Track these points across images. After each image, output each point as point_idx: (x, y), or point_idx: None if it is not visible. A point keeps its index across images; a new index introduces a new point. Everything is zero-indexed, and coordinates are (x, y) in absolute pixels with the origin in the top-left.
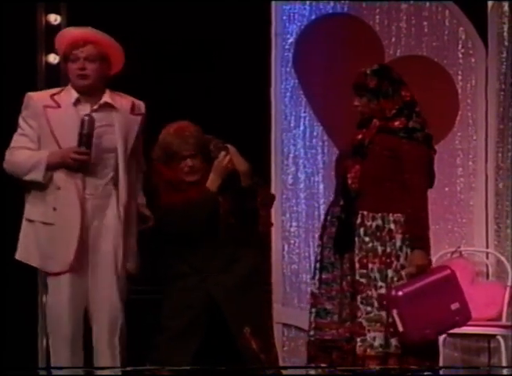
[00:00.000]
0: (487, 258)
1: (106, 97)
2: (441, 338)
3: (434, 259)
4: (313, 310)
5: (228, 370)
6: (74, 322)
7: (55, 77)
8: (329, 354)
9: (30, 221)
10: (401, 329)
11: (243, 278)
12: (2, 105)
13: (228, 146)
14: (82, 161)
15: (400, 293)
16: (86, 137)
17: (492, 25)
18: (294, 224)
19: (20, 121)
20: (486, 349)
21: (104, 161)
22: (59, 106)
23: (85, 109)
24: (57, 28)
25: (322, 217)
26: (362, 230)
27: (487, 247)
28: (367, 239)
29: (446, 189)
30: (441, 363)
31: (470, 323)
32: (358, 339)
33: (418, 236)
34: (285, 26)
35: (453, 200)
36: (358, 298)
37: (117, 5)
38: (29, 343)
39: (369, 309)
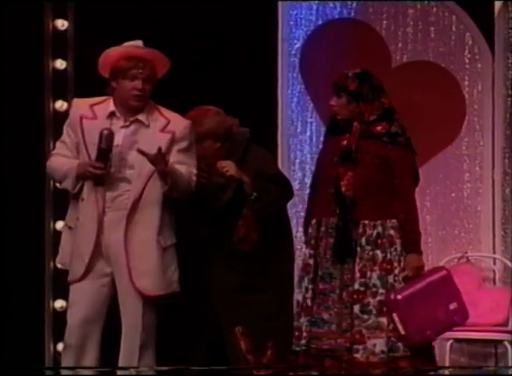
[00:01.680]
0: (494, 263)
1: (142, 114)
2: (448, 343)
3: (440, 265)
4: (304, 319)
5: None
6: (81, 332)
7: (62, 83)
8: (323, 363)
9: (68, 227)
10: (402, 332)
11: (246, 277)
12: (9, 110)
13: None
14: (97, 175)
15: (399, 296)
16: (104, 151)
17: (498, 30)
18: (301, 230)
19: (64, 128)
20: (493, 355)
21: (126, 177)
22: (95, 117)
23: (119, 123)
24: (64, 33)
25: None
26: (363, 239)
27: (494, 252)
28: (368, 248)
29: (453, 194)
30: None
31: (476, 328)
32: (360, 347)
33: (413, 240)
34: (291, 31)
35: (460, 206)
36: (357, 307)
37: (124, 9)
38: (36, 349)
39: (366, 316)
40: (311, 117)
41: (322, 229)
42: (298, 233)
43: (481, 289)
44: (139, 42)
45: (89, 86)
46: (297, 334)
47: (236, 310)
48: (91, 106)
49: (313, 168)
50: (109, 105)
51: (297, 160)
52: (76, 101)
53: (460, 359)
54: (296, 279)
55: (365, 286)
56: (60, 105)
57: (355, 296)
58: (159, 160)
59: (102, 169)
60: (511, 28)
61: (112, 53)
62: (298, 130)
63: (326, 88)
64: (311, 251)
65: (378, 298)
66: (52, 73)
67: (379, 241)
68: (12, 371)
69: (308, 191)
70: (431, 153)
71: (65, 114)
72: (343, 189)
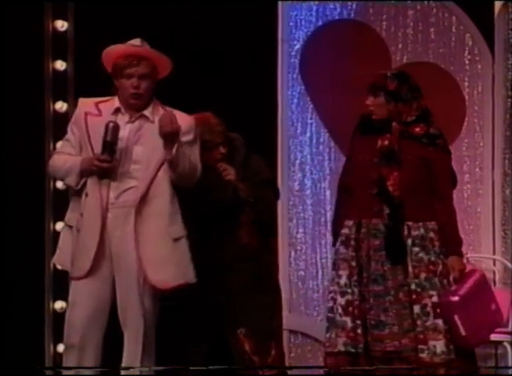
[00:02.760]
0: (494, 264)
1: (147, 110)
2: None
3: None
4: (358, 322)
5: (221, 370)
6: (83, 332)
7: (62, 84)
8: (391, 365)
9: (68, 226)
10: (463, 333)
11: (249, 279)
12: (10, 111)
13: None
14: (103, 169)
15: (456, 298)
16: (109, 144)
17: (498, 31)
18: (301, 230)
19: (68, 126)
20: (493, 356)
21: (131, 172)
22: (100, 114)
23: (124, 119)
24: (64, 34)
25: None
26: (409, 241)
27: (494, 253)
28: (415, 249)
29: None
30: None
31: None
32: (425, 347)
33: (456, 242)
34: (291, 32)
35: (460, 207)
36: (417, 307)
37: (124, 10)
38: (36, 350)
39: (425, 317)
40: (311, 119)
41: (363, 230)
42: (298, 233)
43: None
44: (137, 41)
45: (89, 87)
46: (351, 334)
47: (240, 312)
48: (97, 103)
49: (312, 168)
50: (115, 102)
51: (297, 161)
52: (81, 100)
53: None
54: (341, 279)
55: (420, 287)
56: (60, 106)
57: (413, 296)
58: (168, 120)
59: (108, 162)
60: (511, 29)
61: (110, 52)
62: (298, 131)
63: (326, 89)
64: (353, 253)
65: (432, 299)
66: (52, 74)
67: (423, 243)
68: (12, 371)
69: (307, 192)
70: None
71: (65, 115)
72: (390, 189)
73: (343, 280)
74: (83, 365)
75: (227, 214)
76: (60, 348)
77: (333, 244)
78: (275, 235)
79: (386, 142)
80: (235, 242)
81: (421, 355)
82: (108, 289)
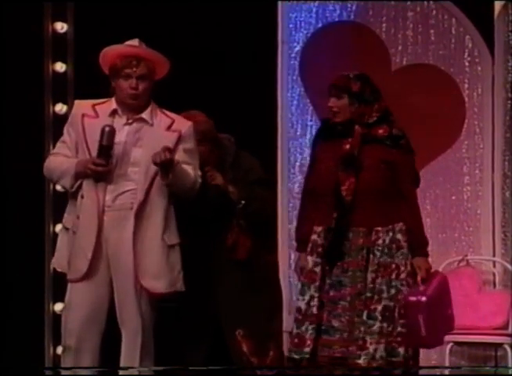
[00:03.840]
0: (494, 266)
1: (145, 113)
2: (448, 346)
3: (441, 268)
4: (309, 327)
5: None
6: (81, 334)
7: (61, 86)
8: (333, 371)
9: (65, 228)
10: (424, 333)
11: (242, 280)
12: (9, 113)
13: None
14: (98, 172)
15: (424, 298)
16: (105, 148)
17: (498, 33)
18: None
19: (64, 128)
20: (493, 358)
21: (128, 174)
22: (97, 116)
23: (121, 121)
24: (64, 36)
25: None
26: (376, 247)
27: (494, 255)
28: (379, 254)
29: (453, 197)
30: (447, 372)
31: (476, 331)
32: (363, 353)
33: (423, 243)
34: (291, 34)
35: (460, 209)
36: (365, 313)
37: (124, 12)
38: (36, 351)
39: (371, 322)
40: (310, 120)
41: (330, 237)
42: None
43: (481, 292)
44: (135, 41)
45: (89, 89)
46: (296, 341)
47: (237, 312)
48: (93, 105)
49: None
50: (112, 104)
51: (297, 163)
52: (77, 102)
53: (460, 362)
54: (298, 286)
55: (372, 292)
56: (60, 108)
57: (367, 303)
58: (158, 154)
59: (104, 166)
60: (511, 31)
61: (108, 53)
62: (298, 133)
63: (325, 91)
64: (318, 259)
65: (383, 303)
66: (51, 76)
67: (389, 247)
68: (12, 371)
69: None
70: (431, 156)
71: (65, 117)
72: (343, 193)
73: (308, 287)
74: (82, 366)
75: (215, 216)
76: (60, 349)
77: (297, 249)
78: (272, 234)
79: (347, 147)
80: (225, 244)
81: (358, 361)
82: (105, 291)
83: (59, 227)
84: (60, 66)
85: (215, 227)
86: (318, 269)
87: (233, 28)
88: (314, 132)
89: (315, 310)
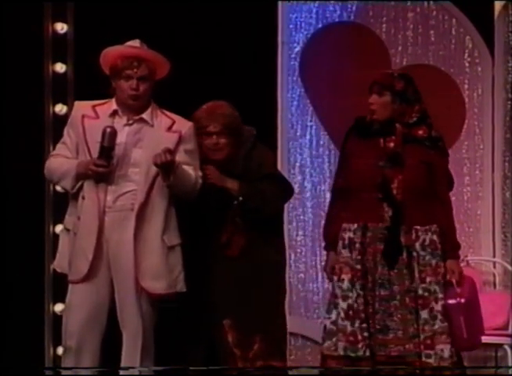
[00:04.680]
0: (494, 267)
1: (146, 113)
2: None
3: None
4: (363, 326)
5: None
6: (81, 335)
7: (61, 86)
8: (396, 370)
9: (66, 230)
10: (465, 336)
11: (240, 276)
12: (9, 114)
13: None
14: (99, 173)
15: (463, 300)
16: (106, 149)
17: (498, 34)
18: (301, 233)
19: (64, 130)
20: (493, 358)
21: (129, 175)
22: (97, 117)
23: (122, 121)
24: (64, 37)
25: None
26: (418, 245)
27: (494, 256)
28: (423, 253)
29: (453, 198)
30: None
31: None
32: (432, 353)
33: (456, 246)
34: (291, 34)
35: (460, 210)
36: (425, 312)
37: (124, 12)
38: (36, 352)
39: (432, 322)
40: (310, 121)
41: (369, 234)
42: (298, 236)
43: (482, 293)
44: (136, 42)
45: (89, 90)
46: (351, 339)
47: (227, 303)
48: (94, 106)
49: (312, 171)
50: (112, 105)
51: (297, 164)
52: (77, 103)
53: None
54: (343, 283)
55: (428, 291)
56: (60, 108)
57: (420, 301)
58: (159, 155)
59: (105, 167)
60: (511, 31)
61: (108, 53)
62: (298, 133)
63: (326, 91)
64: (359, 257)
65: (440, 302)
66: (51, 76)
67: (430, 246)
68: (12, 371)
69: (307, 194)
70: None
71: (65, 118)
72: (394, 192)
73: (345, 284)
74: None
75: (211, 213)
76: (60, 350)
77: (326, 248)
78: (275, 231)
79: (391, 145)
80: (220, 240)
81: (428, 360)
82: (106, 292)
83: (59, 228)
84: (60, 67)
85: (211, 224)
86: (359, 267)
87: (233, 29)
88: (314, 133)
89: (361, 308)
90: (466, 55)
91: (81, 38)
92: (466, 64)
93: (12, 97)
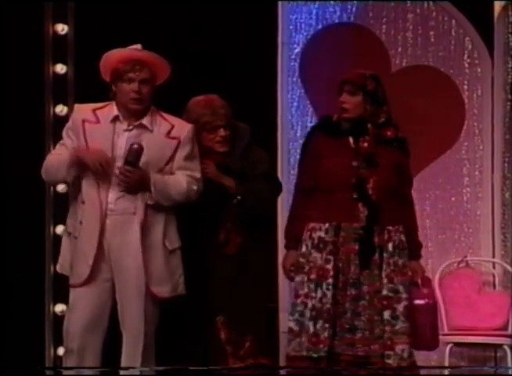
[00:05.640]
0: (493, 267)
1: (146, 119)
2: (448, 347)
3: (440, 269)
4: (324, 326)
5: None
6: (83, 338)
7: (62, 87)
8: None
9: (68, 233)
10: (429, 335)
11: (235, 274)
12: (10, 115)
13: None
14: (98, 169)
15: (432, 301)
16: (129, 163)
17: (498, 35)
18: None
19: (63, 131)
20: (493, 359)
21: None
22: (98, 121)
23: (122, 126)
24: (64, 38)
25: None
26: (390, 245)
27: (493, 256)
28: (393, 253)
29: (453, 199)
30: (446, 372)
31: (476, 332)
32: (391, 353)
33: (419, 246)
34: (291, 35)
35: (460, 210)
36: (387, 313)
37: (124, 13)
38: (36, 353)
39: (394, 322)
40: (310, 122)
41: (343, 234)
42: None
43: (481, 293)
44: (138, 46)
45: (89, 91)
46: (313, 340)
47: (221, 300)
48: (94, 110)
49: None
50: (113, 109)
51: (297, 164)
52: (77, 106)
53: (460, 363)
54: (310, 283)
55: (393, 292)
56: (60, 109)
57: (384, 302)
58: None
59: (125, 176)
60: (511, 33)
61: (110, 57)
62: (298, 134)
63: (325, 92)
64: (330, 256)
65: (404, 303)
66: (52, 77)
67: (400, 246)
68: (12, 371)
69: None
70: (431, 157)
71: (65, 119)
72: (370, 192)
73: (311, 285)
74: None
75: (209, 210)
76: (60, 351)
77: (287, 246)
78: (268, 230)
79: (365, 145)
80: (217, 239)
81: (387, 361)
82: (107, 295)
83: (59, 228)
84: (61, 68)
85: (209, 223)
86: (330, 266)
87: (233, 30)
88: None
89: (329, 308)
90: (466, 56)
91: (81, 39)
92: (466, 65)
93: (12, 98)
